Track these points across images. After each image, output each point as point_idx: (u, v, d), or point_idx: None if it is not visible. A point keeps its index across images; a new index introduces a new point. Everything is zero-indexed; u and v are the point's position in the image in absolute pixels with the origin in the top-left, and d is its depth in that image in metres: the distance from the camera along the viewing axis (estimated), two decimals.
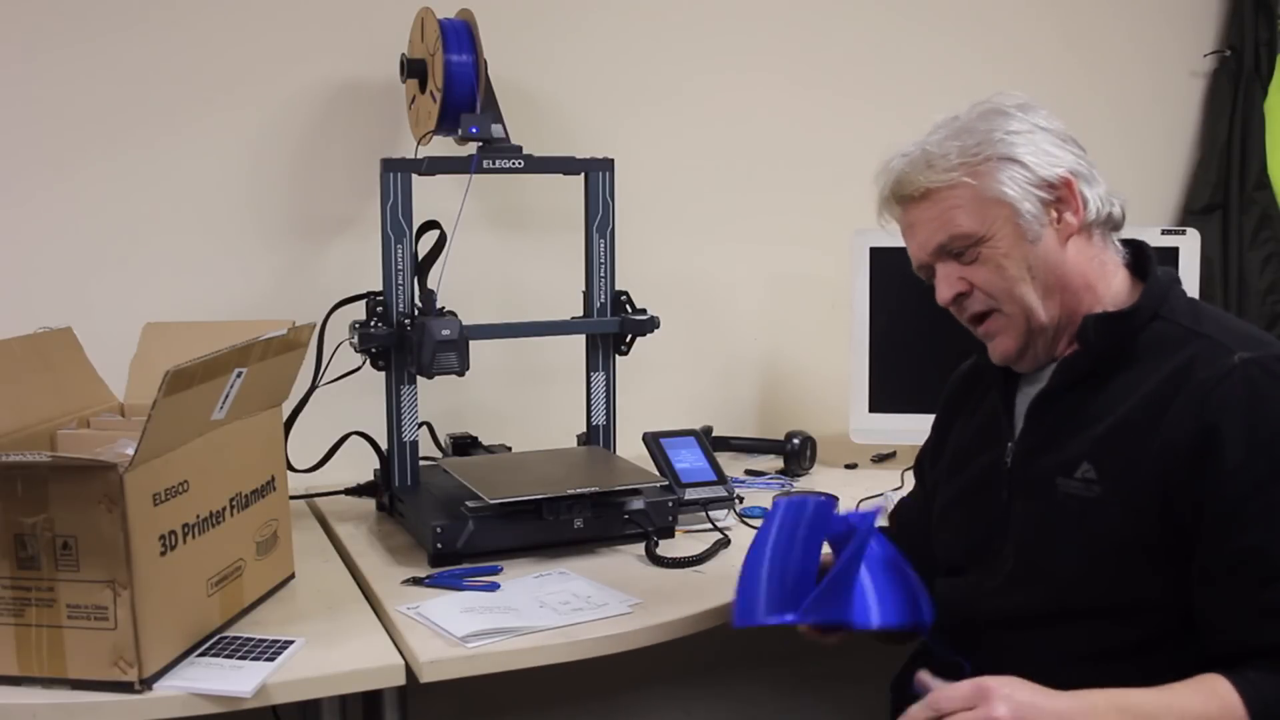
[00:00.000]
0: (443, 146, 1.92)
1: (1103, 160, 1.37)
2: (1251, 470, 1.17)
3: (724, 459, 2.12)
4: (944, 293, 1.34)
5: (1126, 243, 1.37)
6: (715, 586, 1.63)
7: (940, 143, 1.31)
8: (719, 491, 1.91)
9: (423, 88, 1.93)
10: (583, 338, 2.00)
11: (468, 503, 1.69)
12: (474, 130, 1.83)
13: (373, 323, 1.84)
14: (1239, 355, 1.21)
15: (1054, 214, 1.31)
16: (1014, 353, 1.34)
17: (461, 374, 1.79)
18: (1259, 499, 1.17)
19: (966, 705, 1.14)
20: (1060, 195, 1.30)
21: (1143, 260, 1.36)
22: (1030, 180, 1.29)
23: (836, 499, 1.32)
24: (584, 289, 1.98)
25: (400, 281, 1.84)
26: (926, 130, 1.36)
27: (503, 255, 2.24)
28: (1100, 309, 1.32)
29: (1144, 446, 1.23)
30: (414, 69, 1.91)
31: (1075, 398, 1.31)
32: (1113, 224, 1.35)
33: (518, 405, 2.26)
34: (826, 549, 1.33)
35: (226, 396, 1.41)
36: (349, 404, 1.94)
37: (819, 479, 2.19)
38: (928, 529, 1.51)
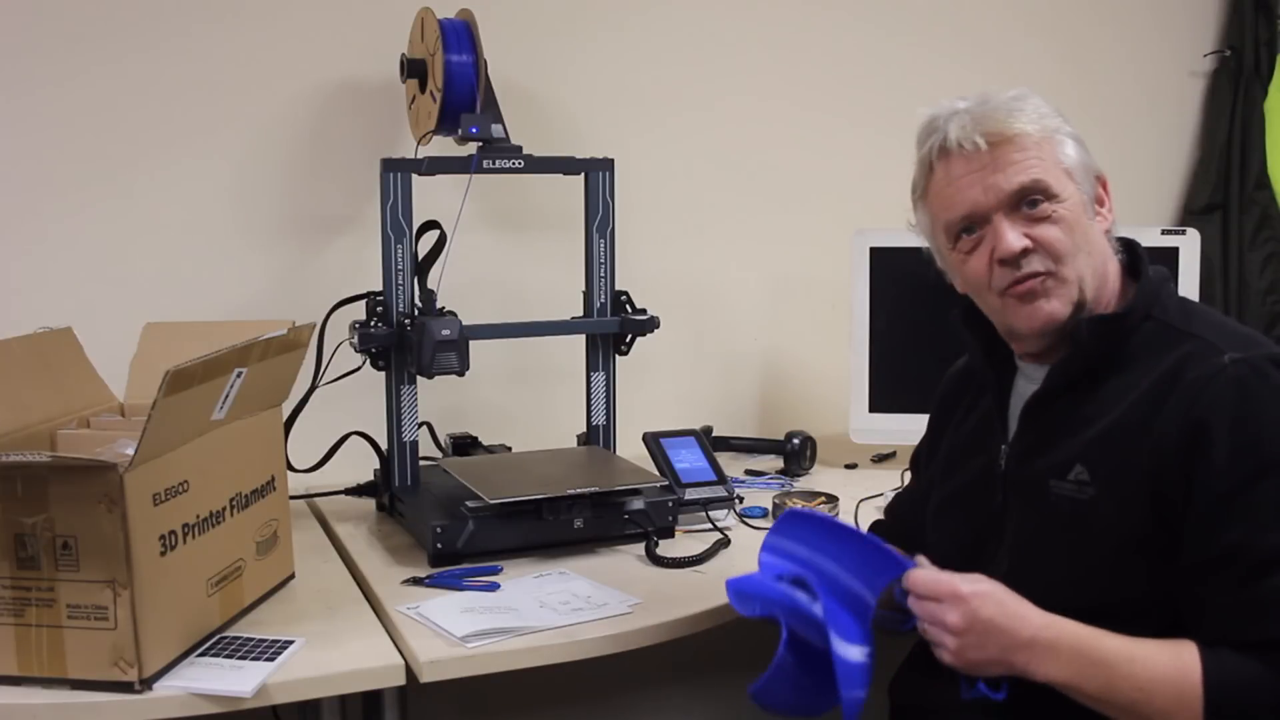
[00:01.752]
0: (443, 146, 1.92)
1: (1102, 160, 1.37)
2: (1237, 467, 1.17)
3: (724, 459, 2.12)
4: (1014, 243, 1.27)
5: (1120, 241, 1.37)
6: (715, 586, 1.63)
7: (1008, 102, 1.30)
8: (719, 491, 1.91)
9: (423, 88, 1.93)
10: (583, 338, 2.00)
11: (468, 503, 1.69)
12: (474, 130, 1.83)
13: (373, 323, 1.84)
14: (1229, 355, 1.21)
15: (1096, 205, 1.32)
16: (1059, 320, 1.29)
17: (461, 374, 1.79)
18: (1243, 495, 1.17)
19: (934, 596, 1.20)
20: (1099, 192, 1.33)
21: (1135, 260, 1.36)
22: (1086, 164, 1.31)
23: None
24: (584, 289, 1.98)
25: (400, 281, 1.84)
26: (949, 100, 1.34)
27: (503, 255, 2.24)
28: (1098, 308, 1.32)
29: (1136, 448, 1.23)
30: (414, 69, 1.91)
31: (1069, 400, 1.31)
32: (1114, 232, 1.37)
33: (518, 405, 2.26)
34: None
35: (226, 396, 1.41)
36: (349, 404, 1.94)
37: (819, 479, 2.19)
38: (924, 523, 1.51)
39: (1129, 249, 1.37)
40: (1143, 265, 1.35)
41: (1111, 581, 1.24)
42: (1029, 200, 1.28)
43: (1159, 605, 1.23)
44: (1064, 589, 1.27)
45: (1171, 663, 1.17)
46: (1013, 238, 1.28)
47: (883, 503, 1.97)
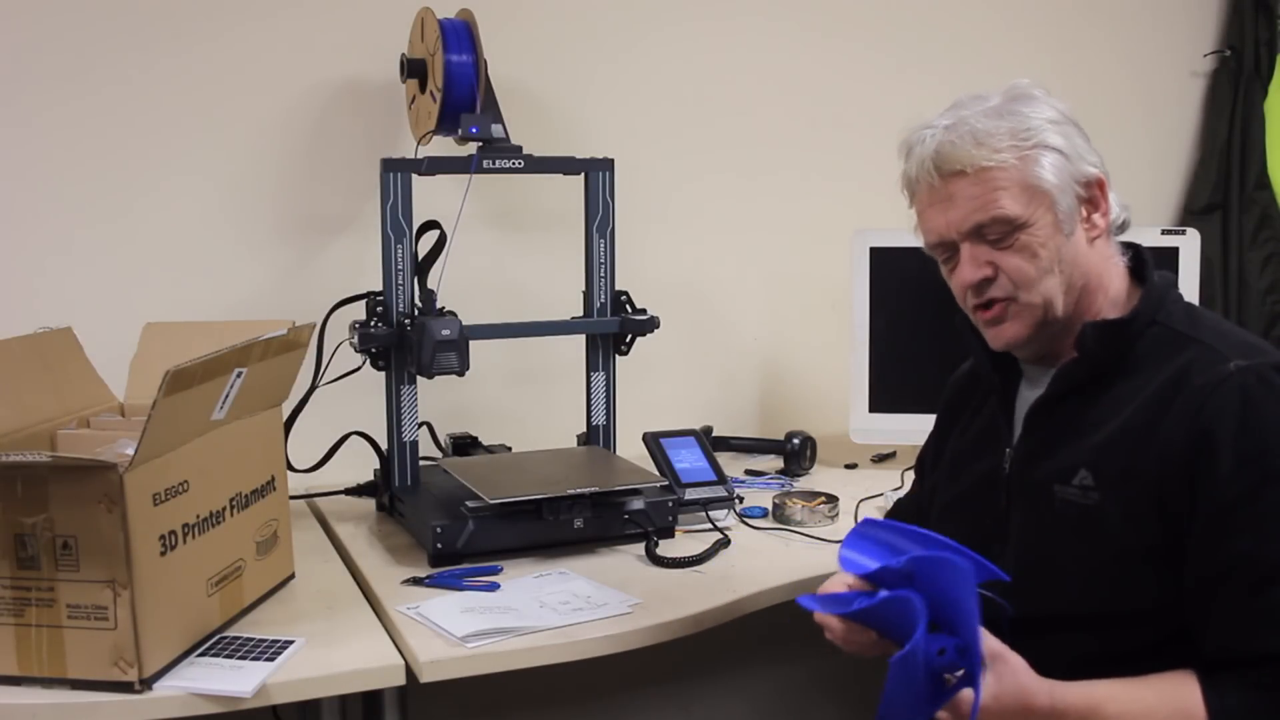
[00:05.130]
0: (443, 146, 1.92)
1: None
2: (1242, 477, 1.17)
3: (724, 459, 2.12)
4: (970, 274, 1.30)
5: (1125, 245, 1.37)
6: (715, 586, 1.64)
7: (984, 120, 1.27)
8: (719, 491, 1.91)
9: (423, 88, 1.93)
10: (583, 338, 2.00)
11: (468, 503, 1.69)
12: (474, 130, 1.83)
13: (373, 323, 1.84)
14: (1234, 363, 1.21)
15: (1084, 212, 1.30)
16: (1021, 340, 1.32)
17: (461, 374, 1.79)
18: (1249, 506, 1.17)
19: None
20: (1092, 195, 1.30)
21: (1140, 264, 1.36)
22: (1071, 174, 1.28)
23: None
24: (584, 289, 1.98)
25: (400, 281, 1.84)
26: (945, 106, 1.33)
27: (503, 255, 2.24)
28: (1102, 313, 1.32)
29: (1140, 454, 1.23)
30: (414, 69, 1.91)
31: (1073, 405, 1.31)
32: (1122, 230, 1.36)
33: (518, 405, 2.26)
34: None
35: (226, 396, 1.41)
36: (349, 404, 1.94)
37: (819, 479, 2.19)
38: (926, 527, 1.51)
39: (1134, 252, 1.36)
40: (1148, 270, 1.34)
41: (1117, 586, 1.24)
42: (989, 234, 1.28)
43: (1166, 611, 1.22)
44: (1069, 594, 1.27)
45: (1171, 715, 1.17)
46: (969, 271, 1.30)
47: (883, 503, 1.98)
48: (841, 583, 1.30)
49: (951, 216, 1.30)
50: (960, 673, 1.11)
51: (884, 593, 1.16)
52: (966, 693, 1.10)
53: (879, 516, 1.77)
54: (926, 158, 1.29)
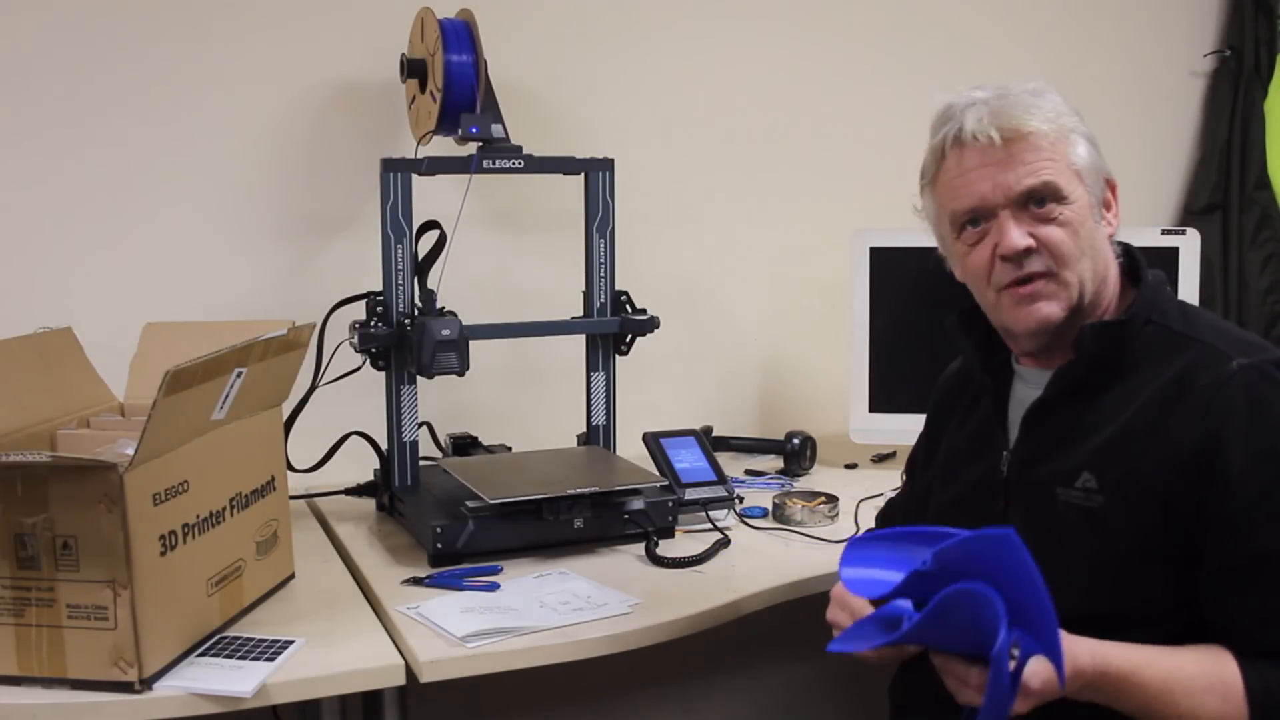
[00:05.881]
0: (443, 146, 1.92)
1: None
2: (1256, 477, 1.17)
3: (724, 459, 2.12)
4: (1019, 240, 1.27)
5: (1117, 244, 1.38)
6: (715, 586, 1.64)
7: (1027, 97, 1.29)
8: (719, 491, 1.91)
9: (423, 88, 1.93)
10: (583, 338, 2.00)
11: (468, 503, 1.69)
12: (474, 130, 1.83)
13: (373, 323, 1.84)
14: (1237, 362, 1.21)
15: (1103, 209, 1.32)
16: (1054, 322, 1.29)
17: (461, 374, 1.79)
18: (1266, 504, 1.17)
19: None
20: (1107, 196, 1.33)
21: (1133, 263, 1.36)
22: (1097, 166, 1.31)
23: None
24: (584, 289, 1.98)
25: (400, 281, 1.84)
26: (968, 89, 1.32)
27: (503, 255, 2.24)
28: (1109, 311, 1.32)
29: (1145, 455, 1.23)
30: (414, 69, 1.91)
31: (1071, 406, 1.31)
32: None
33: (518, 405, 2.26)
34: None
35: (226, 396, 1.41)
36: (349, 404, 1.94)
37: (819, 479, 2.19)
38: None
39: (1126, 252, 1.37)
40: (1141, 269, 1.35)
41: (1122, 587, 1.24)
42: (1037, 200, 1.27)
43: (1170, 612, 1.23)
44: (1074, 596, 1.26)
45: (1208, 692, 1.17)
46: (1016, 236, 1.27)
47: (882, 503, 1.97)
48: (846, 613, 1.29)
49: (1004, 179, 1.27)
50: (1016, 652, 1.06)
51: (923, 600, 1.07)
52: (1033, 665, 1.06)
53: (875, 516, 1.77)
54: (985, 116, 1.28)
